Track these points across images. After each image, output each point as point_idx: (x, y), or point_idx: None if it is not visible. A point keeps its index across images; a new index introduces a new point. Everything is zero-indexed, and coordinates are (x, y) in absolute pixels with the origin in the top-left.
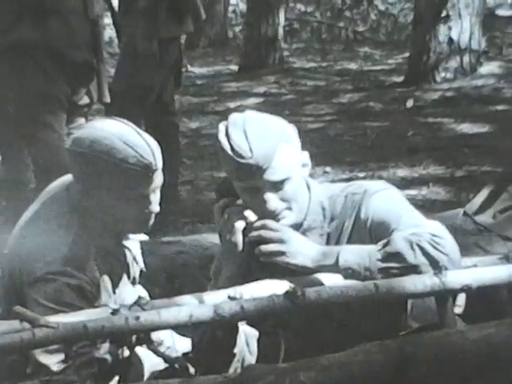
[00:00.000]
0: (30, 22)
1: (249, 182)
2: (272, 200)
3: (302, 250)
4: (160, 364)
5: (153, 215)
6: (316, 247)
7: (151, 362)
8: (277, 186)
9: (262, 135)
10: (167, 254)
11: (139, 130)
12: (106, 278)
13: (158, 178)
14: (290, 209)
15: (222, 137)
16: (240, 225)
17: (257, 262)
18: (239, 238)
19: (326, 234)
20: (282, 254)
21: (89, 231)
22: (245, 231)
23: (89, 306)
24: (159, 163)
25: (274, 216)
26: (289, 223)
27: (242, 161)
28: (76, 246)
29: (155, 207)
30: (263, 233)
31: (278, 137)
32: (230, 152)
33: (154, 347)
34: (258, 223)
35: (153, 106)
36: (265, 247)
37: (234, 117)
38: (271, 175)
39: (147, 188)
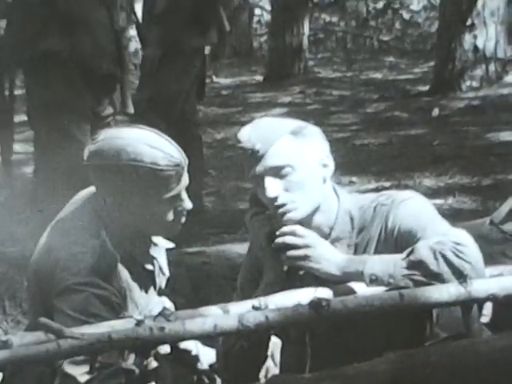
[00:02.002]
0: (56, 32)
1: (252, 170)
2: (272, 186)
3: (328, 256)
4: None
5: (185, 213)
6: (341, 255)
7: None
8: (278, 173)
9: (267, 125)
10: (192, 265)
11: (158, 131)
12: (132, 287)
13: (186, 176)
14: (294, 202)
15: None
16: (266, 230)
17: (295, 269)
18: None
19: (353, 245)
20: (307, 258)
21: (115, 241)
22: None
23: (115, 317)
24: (186, 160)
25: (278, 207)
26: (295, 218)
27: (241, 145)
28: (102, 256)
29: (188, 204)
30: (288, 239)
31: (284, 129)
32: (236, 141)
33: (180, 358)
34: (285, 229)
35: (176, 116)
36: (290, 252)
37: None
38: (269, 160)
39: (179, 186)
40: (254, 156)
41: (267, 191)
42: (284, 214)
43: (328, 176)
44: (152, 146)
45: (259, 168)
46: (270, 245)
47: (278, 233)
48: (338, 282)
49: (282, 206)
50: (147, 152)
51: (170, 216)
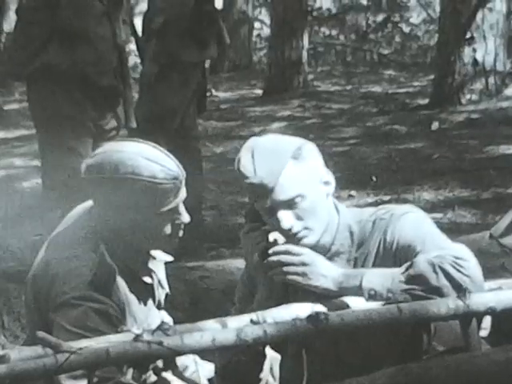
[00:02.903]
0: (58, 46)
1: (262, 202)
2: (286, 218)
3: (325, 272)
4: None
5: (183, 226)
6: (339, 270)
7: None
8: (289, 204)
9: (268, 155)
10: (191, 279)
11: (156, 145)
12: (131, 301)
13: (184, 190)
14: (308, 228)
15: (235, 160)
16: (261, 247)
17: (289, 285)
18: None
19: (353, 260)
20: (304, 275)
21: (113, 254)
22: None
23: (114, 331)
24: (184, 173)
25: (292, 235)
26: (311, 243)
27: (247, 181)
28: (100, 270)
29: (186, 217)
30: (283, 257)
31: (285, 155)
32: (238, 174)
33: (178, 373)
34: (279, 248)
35: (175, 130)
36: (287, 269)
37: (249, 140)
38: (279, 194)
39: (177, 199)
40: (263, 190)
41: (282, 224)
42: (299, 240)
43: (330, 192)
44: (150, 159)
45: (271, 202)
46: (264, 261)
47: (270, 251)
48: (336, 297)
49: (297, 233)
50: (145, 165)
51: (168, 229)
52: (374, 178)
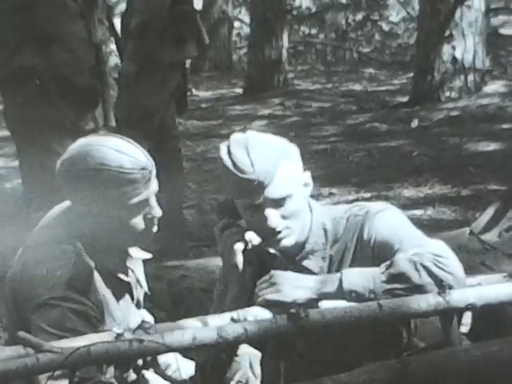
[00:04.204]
0: (33, 48)
1: (251, 199)
2: (273, 216)
3: (298, 283)
4: None
5: (156, 221)
6: (313, 277)
7: None
8: (278, 203)
9: (264, 152)
10: (172, 278)
11: (127, 139)
12: (109, 300)
13: (154, 182)
14: (289, 228)
15: (224, 155)
16: (239, 246)
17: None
18: (239, 259)
19: (328, 257)
20: (279, 292)
21: (90, 254)
22: (245, 252)
23: (93, 331)
24: (153, 165)
25: (271, 235)
26: (289, 244)
27: (244, 176)
28: (78, 269)
29: (157, 211)
30: (256, 290)
31: (279, 154)
32: (232, 168)
33: (161, 371)
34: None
35: (155, 130)
36: (262, 293)
37: (236, 136)
38: (273, 192)
39: (147, 191)
40: (257, 187)
41: (269, 222)
42: (279, 240)
43: (308, 194)
44: (118, 150)
45: (261, 199)
46: (240, 261)
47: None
48: (317, 302)
49: (279, 232)
50: (114, 156)
51: (141, 224)
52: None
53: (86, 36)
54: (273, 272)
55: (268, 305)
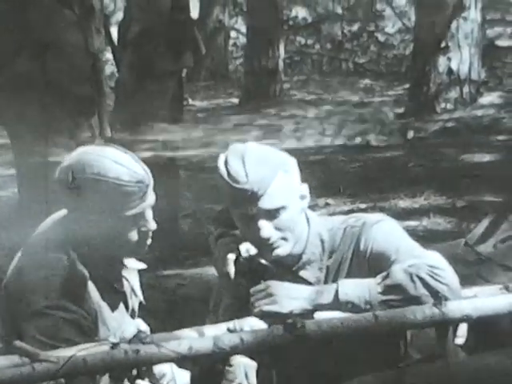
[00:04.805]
0: (29, 56)
1: (244, 209)
2: (266, 228)
3: (294, 294)
4: None
5: (150, 234)
6: (309, 288)
7: None
8: (272, 214)
9: (260, 163)
10: (168, 287)
11: (126, 150)
12: (103, 309)
13: (151, 195)
14: (284, 239)
15: (220, 164)
16: (232, 256)
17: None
18: (231, 269)
19: (325, 268)
20: (275, 303)
21: (85, 263)
22: (238, 262)
23: (86, 341)
24: (151, 178)
25: (266, 245)
26: (283, 253)
27: (238, 186)
28: (72, 278)
29: (152, 224)
30: (252, 300)
31: (275, 165)
32: (226, 177)
33: (156, 380)
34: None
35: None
36: (258, 304)
37: (234, 146)
38: (266, 203)
39: (143, 204)
40: (251, 197)
41: (262, 232)
42: (273, 249)
43: (305, 206)
44: (116, 161)
45: (254, 210)
46: (232, 272)
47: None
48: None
49: (272, 243)
50: (111, 167)
51: (134, 236)
52: (341, 189)
53: (83, 45)
54: (269, 282)
55: (264, 316)
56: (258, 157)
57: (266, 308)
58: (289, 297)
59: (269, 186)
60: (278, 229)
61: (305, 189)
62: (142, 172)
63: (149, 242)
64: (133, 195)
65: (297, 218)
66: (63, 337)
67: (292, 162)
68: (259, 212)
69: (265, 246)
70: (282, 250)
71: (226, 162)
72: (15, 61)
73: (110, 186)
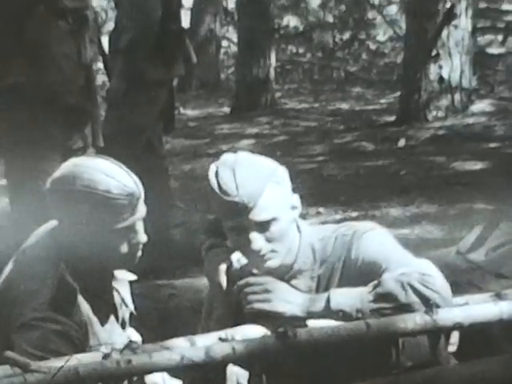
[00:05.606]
0: (22, 67)
1: (235, 221)
2: (257, 240)
3: (289, 298)
4: None
5: (140, 246)
6: (303, 295)
7: None
8: (263, 226)
9: (250, 174)
10: (160, 297)
11: (117, 162)
12: (93, 321)
13: (142, 208)
14: (275, 251)
15: (211, 175)
16: (223, 266)
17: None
18: (223, 279)
19: (316, 277)
20: (269, 302)
21: (74, 274)
22: (230, 272)
23: (76, 352)
24: (142, 191)
25: (259, 257)
26: (275, 266)
27: (228, 198)
28: (61, 289)
29: (143, 237)
30: (247, 290)
31: (266, 177)
32: (217, 190)
33: None
34: (241, 282)
35: (142, 149)
36: (251, 298)
37: (225, 156)
38: (257, 215)
39: (133, 217)
40: (242, 209)
41: (253, 245)
42: (264, 262)
43: (296, 216)
44: (107, 174)
45: (245, 222)
46: (224, 281)
47: (234, 288)
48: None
49: (263, 255)
50: (102, 180)
51: (125, 248)
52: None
53: (76, 56)
54: (268, 279)
55: (253, 315)
56: (249, 168)
57: (258, 306)
58: (283, 299)
59: (259, 198)
60: (268, 240)
61: (296, 199)
62: (133, 185)
63: (139, 254)
64: (123, 208)
65: (288, 228)
66: (52, 348)
67: (283, 172)
68: (250, 224)
69: (256, 257)
70: (273, 262)
71: (216, 174)
72: (9, 71)
73: (100, 199)
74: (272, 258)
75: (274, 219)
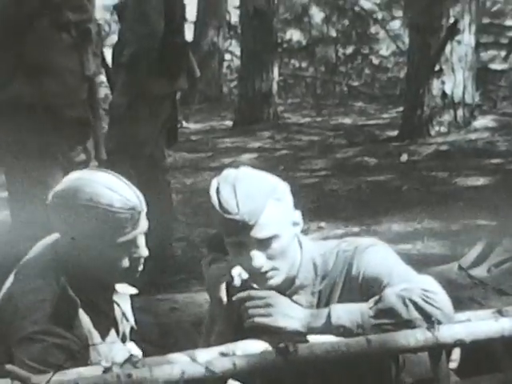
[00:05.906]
0: (25, 79)
1: (236, 238)
2: (258, 257)
3: (291, 313)
4: None
5: (142, 260)
6: (305, 310)
7: None
8: (264, 244)
9: (251, 192)
10: (161, 311)
11: (119, 176)
12: (94, 335)
13: (144, 222)
14: (277, 269)
15: (212, 192)
16: (225, 281)
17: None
18: (223, 294)
19: (317, 292)
20: (270, 316)
21: (76, 287)
22: (231, 287)
23: (76, 366)
24: (144, 205)
25: (261, 274)
26: (277, 283)
27: (229, 216)
28: (62, 303)
29: (144, 251)
30: (249, 303)
31: (267, 194)
32: (217, 207)
33: None
34: (242, 295)
35: (144, 162)
36: (252, 312)
37: (226, 172)
38: (258, 232)
39: (135, 231)
40: (243, 227)
41: (254, 262)
42: (266, 280)
43: (298, 232)
44: (109, 188)
45: (246, 239)
46: (225, 296)
47: (234, 298)
48: (303, 337)
49: (265, 273)
50: (103, 193)
51: (126, 262)
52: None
53: (79, 69)
54: (270, 293)
55: (254, 329)
56: (250, 185)
57: (259, 320)
58: (285, 313)
59: (260, 215)
60: (270, 258)
61: (297, 215)
62: (135, 199)
63: (140, 268)
64: (125, 222)
65: (289, 245)
66: (52, 362)
67: (284, 188)
68: (251, 241)
69: (257, 275)
70: (275, 280)
71: (217, 190)
72: (10, 84)
73: (102, 213)
74: (274, 276)
75: (275, 236)
